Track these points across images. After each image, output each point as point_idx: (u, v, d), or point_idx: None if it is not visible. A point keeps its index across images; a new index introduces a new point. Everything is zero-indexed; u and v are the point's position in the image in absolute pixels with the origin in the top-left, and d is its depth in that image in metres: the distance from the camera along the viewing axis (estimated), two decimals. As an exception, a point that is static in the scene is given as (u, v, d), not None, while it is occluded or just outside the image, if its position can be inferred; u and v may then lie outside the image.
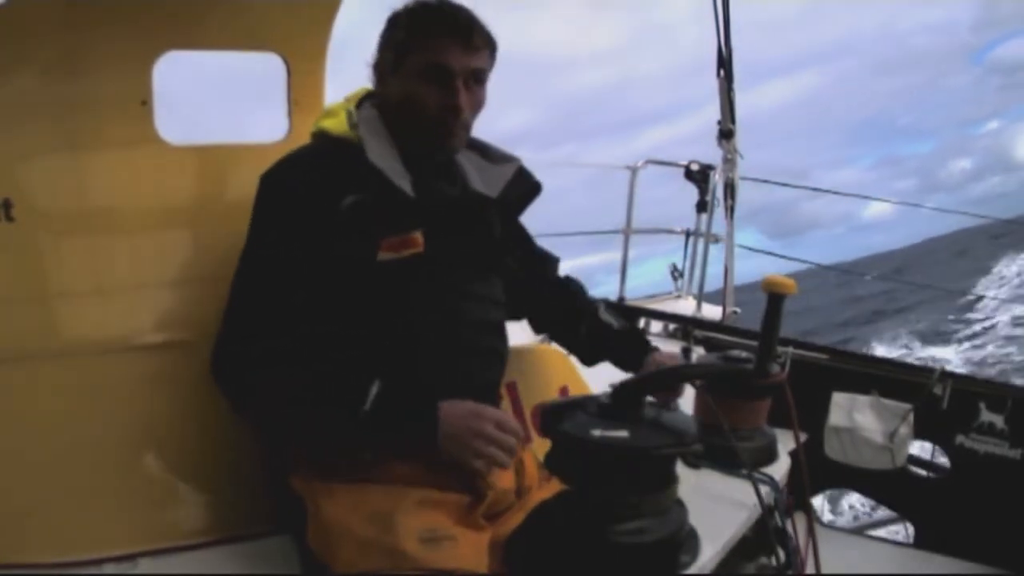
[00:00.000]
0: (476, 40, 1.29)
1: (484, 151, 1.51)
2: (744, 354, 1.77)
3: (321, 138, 1.36)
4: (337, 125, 1.34)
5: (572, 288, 1.71)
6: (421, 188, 1.31)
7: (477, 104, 1.35)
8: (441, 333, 1.32)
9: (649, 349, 1.62)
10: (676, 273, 4.08)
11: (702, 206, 3.86)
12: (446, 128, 1.33)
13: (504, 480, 1.31)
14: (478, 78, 1.32)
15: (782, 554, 1.61)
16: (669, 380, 1.49)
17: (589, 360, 1.72)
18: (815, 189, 5.79)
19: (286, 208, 1.27)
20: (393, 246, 1.28)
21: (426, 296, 1.31)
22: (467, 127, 1.36)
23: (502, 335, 1.47)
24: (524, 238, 1.65)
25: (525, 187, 1.51)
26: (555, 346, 1.82)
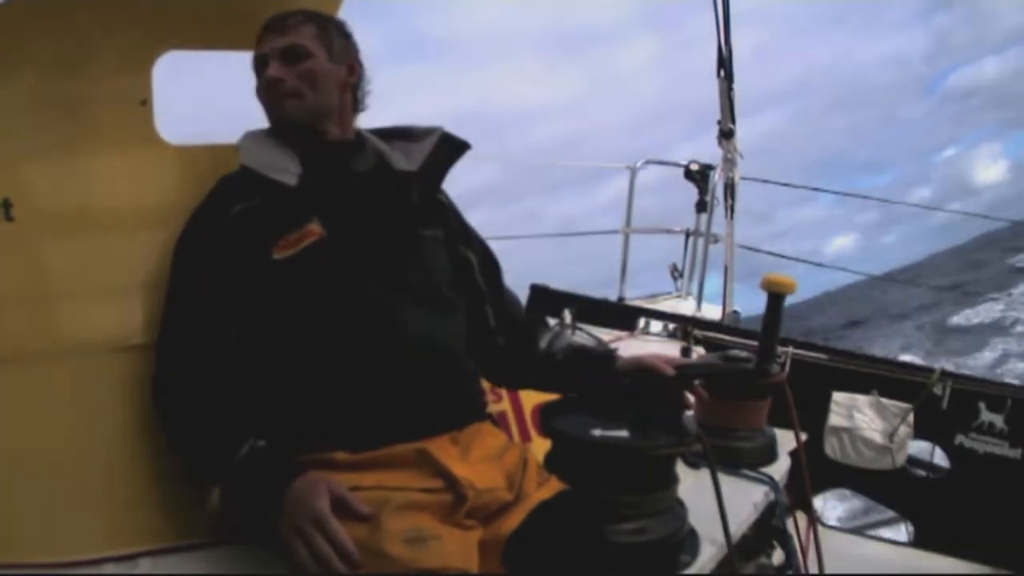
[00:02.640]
0: (288, 21, 1.39)
1: (407, 134, 1.53)
2: (744, 354, 1.77)
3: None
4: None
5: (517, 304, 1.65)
6: (311, 177, 1.35)
7: (305, 73, 1.38)
8: (356, 311, 1.31)
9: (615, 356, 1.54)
10: (676, 273, 4.07)
11: (702, 206, 3.86)
12: (274, 100, 1.40)
13: (485, 479, 1.28)
14: (295, 52, 1.38)
15: (782, 554, 1.62)
16: (670, 380, 1.48)
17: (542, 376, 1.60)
18: (815, 189, 5.84)
19: (188, 232, 1.37)
20: (289, 243, 1.31)
21: (336, 280, 1.32)
22: (297, 94, 1.39)
23: (442, 304, 1.42)
24: (471, 235, 1.58)
25: (451, 149, 1.50)
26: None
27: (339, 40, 1.45)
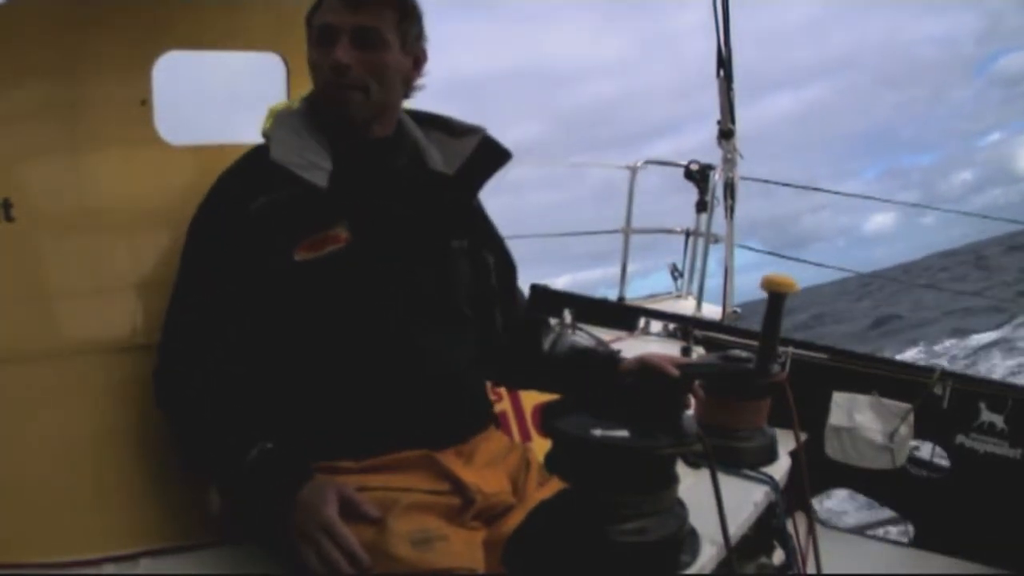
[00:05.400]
0: None
1: (447, 126, 1.44)
2: (744, 354, 1.77)
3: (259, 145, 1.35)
4: (265, 126, 1.35)
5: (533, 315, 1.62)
6: (343, 179, 1.27)
7: (375, 66, 1.26)
8: (377, 324, 1.27)
9: (618, 358, 1.53)
10: (676, 273, 4.07)
11: (702, 206, 3.86)
12: (335, 88, 1.27)
13: (491, 483, 1.29)
14: (368, 37, 1.25)
15: (782, 554, 1.61)
16: (671, 379, 1.48)
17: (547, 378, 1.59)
18: (815, 189, 5.77)
19: (202, 224, 1.29)
20: (310, 245, 1.24)
21: (354, 292, 1.26)
22: (362, 88, 1.27)
23: (459, 319, 1.38)
24: (493, 236, 1.54)
25: (490, 158, 1.43)
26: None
27: (414, 28, 1.32)
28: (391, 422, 1.26)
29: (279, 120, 1.34)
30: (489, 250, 1.49)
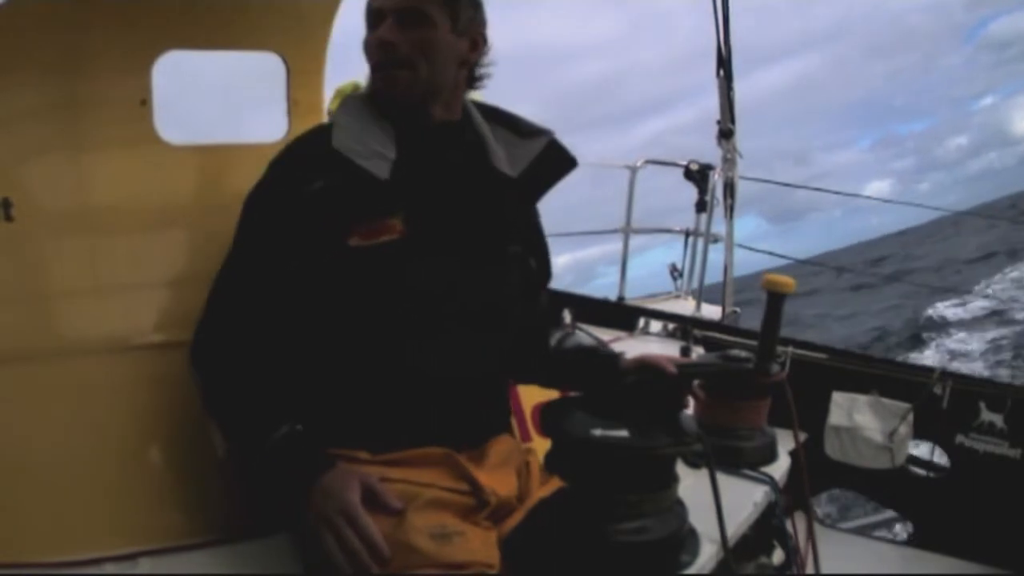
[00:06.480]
0: None
1: (514, 125, 1.42)
2: (744, 354, 1.77)
3: (322, 124, 1.34)
4: (331, 106, 1.34)
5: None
6: (405, 168, 1.26)
7: (423, 42, 1.25)
8: (419, 321, 1.26)
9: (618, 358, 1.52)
10: (676, 273, 4.08)
11: (701, 206, 3.86)
12: (382, 69, 1.27)
13: (505, 487, 1.29)
14: (416, 16, 1.25)
15: (782, 554, 1.62)
16: (673, 378, 1.48)
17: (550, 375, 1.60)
18: (815, 189, 5.90)
19: (258, 199, 1.28)
20: (365, 232, 1.23)
21: (404, 284, 1.25)
22: (410, 65, 1.26)
23: (500, 325, 1.36)
24: (540, 244, 1.53)
25: (556, 163, 1.42)
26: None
27: (468, 10, 1.31)
28: (414, 418, 1.26)
29: (345, 105, 1.33)
30: (534, 257, 1.48)
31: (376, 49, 1.26)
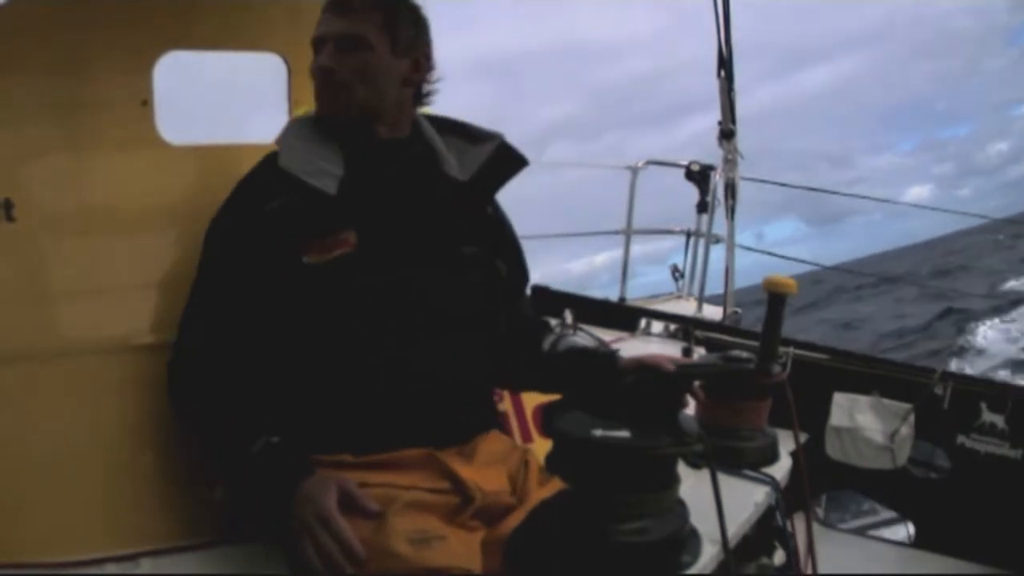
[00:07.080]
0: (354, 3, 1.30)
1: (465, 132, 1.45)
2: (745, 354, 1.77)
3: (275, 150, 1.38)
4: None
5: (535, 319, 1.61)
6: (354, 183, 1.30)
7: (360, 66, 1.30)
8: (382, 329, 1.28)
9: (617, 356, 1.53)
10: (677, 274, 4.07)
11: (703, 206, 3.86)
12: (322, 91, 1.33)
13: (492, 483, 1.29)
14: (353, 41, 1.29)
15: (783, 554, 1.61)
16: (671, 376, 1.48)
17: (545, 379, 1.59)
18: (814, 190, 5.71)
19: (219, 224, 1.33)
20: (319, 249, 1.27)
21: (362, 295, 1.27)
22: (346, 88, 1.31)
23: (468, 325, 1.37)
24: (509, 245, 1.54)
25: (506, 164, 1.44)
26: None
27: (408, 30, 1.35)
28: (393, 423, 1.27)
29: (289, 127, 1.38)
30: (503, 259, 1.49)
31: (317, 74, 1.32)
